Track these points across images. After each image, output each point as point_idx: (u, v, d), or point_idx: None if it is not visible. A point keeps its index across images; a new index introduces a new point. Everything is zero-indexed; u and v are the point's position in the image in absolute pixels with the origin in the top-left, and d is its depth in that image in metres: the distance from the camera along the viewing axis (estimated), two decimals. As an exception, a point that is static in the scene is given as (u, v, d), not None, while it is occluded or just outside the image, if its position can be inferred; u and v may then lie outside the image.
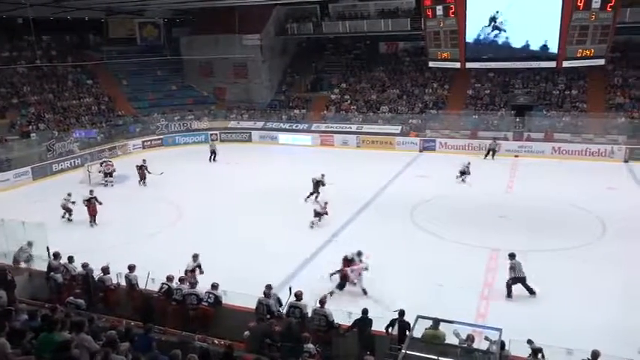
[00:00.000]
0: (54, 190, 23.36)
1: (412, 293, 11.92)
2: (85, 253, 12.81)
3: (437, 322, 8.57)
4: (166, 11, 39.33)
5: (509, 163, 26.53)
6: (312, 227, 17.59)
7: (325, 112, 35.20)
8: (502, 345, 8.18)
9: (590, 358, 8.05)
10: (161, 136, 33.77)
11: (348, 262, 13.16)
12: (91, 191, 19.21)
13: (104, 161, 25.25)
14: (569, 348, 8.34)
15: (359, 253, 13.28)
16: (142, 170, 23.82)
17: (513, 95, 32.47)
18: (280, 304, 10.39)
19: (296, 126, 34.56)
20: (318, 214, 17.67)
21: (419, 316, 8.25)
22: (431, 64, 22.85)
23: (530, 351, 8.29)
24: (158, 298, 10.94)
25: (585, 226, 17.52)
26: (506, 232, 16.86)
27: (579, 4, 18.11)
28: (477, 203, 20.00)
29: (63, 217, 19.18)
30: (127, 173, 25.01)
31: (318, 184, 20.39)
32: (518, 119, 30.29)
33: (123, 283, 11.59)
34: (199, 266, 12.58)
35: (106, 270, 11.55)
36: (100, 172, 24.57)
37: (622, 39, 29.02)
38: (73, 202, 19.02)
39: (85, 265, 11.68)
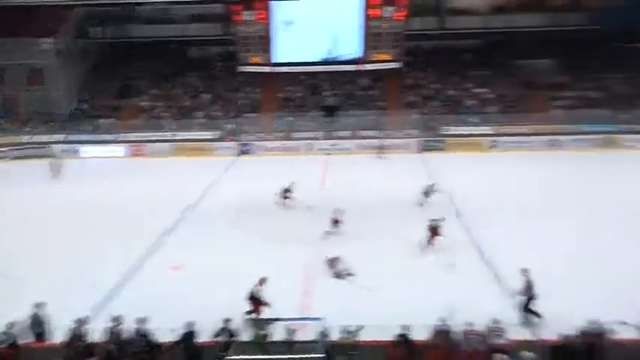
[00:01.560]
0: None
1: (235, 296, 11.71)
2: None
3: (261, 322, 8.60)
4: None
5: (321, 161, 27.97)
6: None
7: (136, 120, 33.17)
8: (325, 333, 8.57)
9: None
10: None
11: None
12: None
13: None
14: (384, 324, 8.99)
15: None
16: None
17: (322, 97, 34.40)
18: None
19: (104, 137, 31.89)
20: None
21: (246, 319, 8.18)
22: (242, 68, 22.99)
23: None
24: None
25: (397, 210, 19.23)
26: (321, 228, 17.36)
27: (375, 13, 19.87)
28: (292, 202, 20.51)
29: None
30: None
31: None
32: (328, 119, 32.18)
33: None
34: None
35: None
36: None
37: (412, 44, 32.45)
38: None
39: None
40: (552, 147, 29.09)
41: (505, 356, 8.35)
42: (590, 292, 12.31)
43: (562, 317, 10.13)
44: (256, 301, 11.53)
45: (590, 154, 27.86)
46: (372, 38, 20.39)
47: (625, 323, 9.72)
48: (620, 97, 31.58)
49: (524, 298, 11.31)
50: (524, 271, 11.34)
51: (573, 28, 33.95)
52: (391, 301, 12.05)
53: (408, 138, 30.22)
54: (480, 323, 9.49)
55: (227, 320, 9.27)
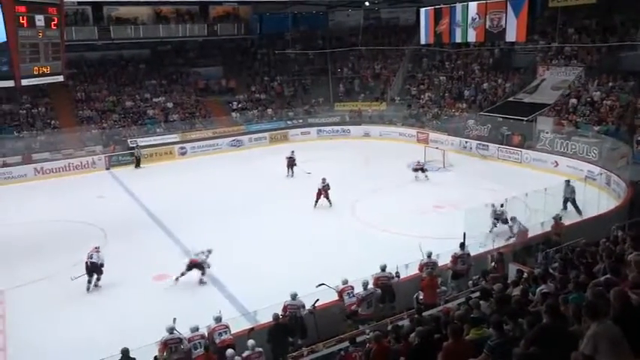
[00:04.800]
0: None
1: None
2: None
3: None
4: None
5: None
6: None
7: None
8: None
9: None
10: None
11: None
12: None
13: None
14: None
15: None
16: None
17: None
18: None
19: None
20: None
21: None
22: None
23: None
24: None
25: (88, 236, 17.61)
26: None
27: (22, 22, 17.67)
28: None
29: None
30: None
31: None
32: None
33: None
34: None
35: None
36: None
37: (74, 56, 30.21)
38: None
39: None
40: (235, 147, 31.49)
41: (232, 350, 8.81)
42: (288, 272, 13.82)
43: (272, 300, 10.99)
44: None
45: (268, 149, 31.27)
46: (27, 50, 18.02)
47: (322, 284, 11.45)
48: (283, 97, 36.30)
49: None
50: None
51: (233, 37, 37.44)
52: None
53: (92, 155, 28.22)
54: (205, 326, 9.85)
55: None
